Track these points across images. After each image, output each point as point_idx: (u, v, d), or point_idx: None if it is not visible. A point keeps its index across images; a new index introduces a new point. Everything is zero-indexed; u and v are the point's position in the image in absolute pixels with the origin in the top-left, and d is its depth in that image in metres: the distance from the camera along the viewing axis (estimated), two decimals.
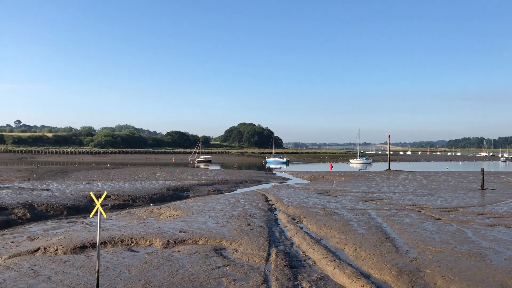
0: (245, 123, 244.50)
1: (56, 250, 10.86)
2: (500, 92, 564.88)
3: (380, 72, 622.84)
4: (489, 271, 8.74)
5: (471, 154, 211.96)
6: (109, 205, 21.02)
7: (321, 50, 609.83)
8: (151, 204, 22.05)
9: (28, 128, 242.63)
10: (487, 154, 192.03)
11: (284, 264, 9.59)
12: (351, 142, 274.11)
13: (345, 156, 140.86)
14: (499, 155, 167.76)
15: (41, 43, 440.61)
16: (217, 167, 75.11)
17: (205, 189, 29.92)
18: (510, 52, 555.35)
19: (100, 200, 6.50)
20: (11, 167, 60.35)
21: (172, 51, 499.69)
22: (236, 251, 10.81)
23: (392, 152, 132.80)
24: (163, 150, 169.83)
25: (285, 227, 14.93)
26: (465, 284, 8.00)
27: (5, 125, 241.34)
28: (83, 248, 11.08)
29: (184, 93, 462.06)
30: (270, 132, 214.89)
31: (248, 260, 9.96)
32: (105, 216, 6.55)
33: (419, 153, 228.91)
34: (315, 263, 10.12)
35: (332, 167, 72.80)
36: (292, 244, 12.16)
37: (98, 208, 6.42)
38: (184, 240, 11.89)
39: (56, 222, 16.31)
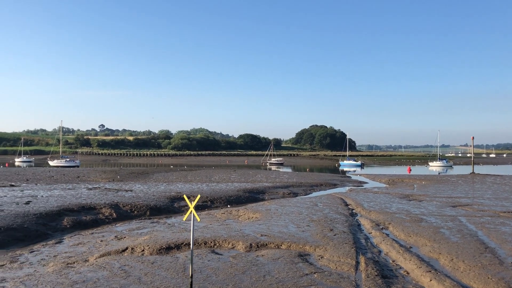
0: (316, 125, 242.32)
1: (143, 250, 11.09)
2: None
3: (458, 70, 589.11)
4: None
5: None
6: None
7: (392, 48, 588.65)
8: (229, 206, 22.22)
9: (110, 132, 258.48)
10: None
11: (376, 273, 9.02)
12: (429, 144, 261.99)
13: (423, 158, 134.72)
14: None
15: (119, 51, 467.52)
16: (289, 170, 74.90)
17: (280, 191, 29.73)
18: None
19: (194, 203, 6.40)
20: (97, 168, 64.23)
21: (241, 56, 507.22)
22: (321, 257, 10.38)
23: (474, 155, 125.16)
24: (235, 152, 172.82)
25: (369, 233, 14.24)
26: None
27: (90, 129, 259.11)
28: (168, 249, 11.23)
29: (255, 96, 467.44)
30: (343, 134, 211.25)
31: (336, 268, 9.50)
32: (198, 219, 6.46)
33: (505, 155, 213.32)
34: (408, 273, 9.43)
35: (410, 170, 69.81)
36: (380, 252, 11.51)
37: (191, 211, 6.33)
38: (266, 244, 11.67)
39: (140, 222, 16.85)
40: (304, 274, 8.82)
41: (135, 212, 19.01)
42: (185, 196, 6.74)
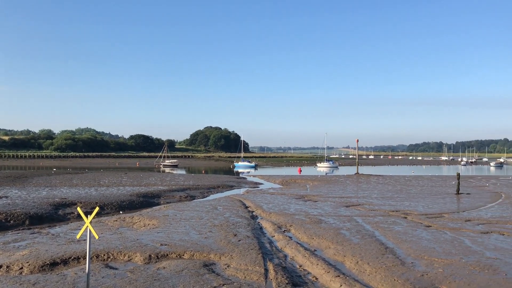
0: (211, 127, 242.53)
1: (22, 268, 9.50)
2: (459, 98, 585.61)
3: (345, 78, 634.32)
4: (510, 286, 8.08)
5: (431, 158, 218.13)
6: (75, 213, 19.46)
7: (283, 54, 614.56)
8: (121, 212, 20.69)
9: None
10: (447, 158, 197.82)
11: (286, 281, 8.63)
12: (315, 146, 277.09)
13: (311, 160, 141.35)
14: (459, 159, 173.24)
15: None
16: (184, 172, 73.43)
17: (177, 195, 28.63)
18: (468, 60, 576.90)
19: (90, 217, 5.32)
20: None
21: (132, 52, 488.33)
22: (228, 266, 9.75)
23: (355, 156, 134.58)
24: (126, 154, 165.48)
25: (272, 236, 13.97)
26: None
27: None
28: (53, 265, 9.76)
29: (147, 95, 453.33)
30: (237, 136, 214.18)
31: (245, 277, 8.93)
32: (97, 237, 5.40)
33: (381, 157, 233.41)
34: (316, 278, 9.20)
35: (301, 171, 72.55)
36: (286, 256, 11.21)
37: (87, 227, 5.25)
38: (167, 254, 10.73)
39: (18, 233, 14.74)
40: (213, 287, 8.10)
41: (12, 221, 16.68)
42: (79, 209, 5.62)
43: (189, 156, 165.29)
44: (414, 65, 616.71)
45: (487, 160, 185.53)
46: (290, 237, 13.74)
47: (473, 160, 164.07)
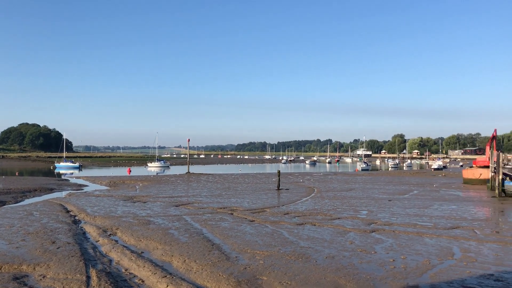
0: (27, 124, 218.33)
1: None
2: (279, 102, 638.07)
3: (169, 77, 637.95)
4: (319, 272, 9.06)
5: (257, 157, 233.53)
6: None
7: (113, 50, 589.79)
8: None
9: None
10: (270, 157, 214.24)
11: (110, 287, 8.20)
12: (147, 145, 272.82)
13: (142, 160, 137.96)
14: (280, 158, 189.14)
15: None
16: None
17: None
18: (284, 70, 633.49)
19: None
20: None
21: None
22: (44, 277, 8.85)
23: (187, 155, 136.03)
24: None
25: (97, 241, 13.16)
26: None
27: None
28: None
29: None
30: (59, 134, 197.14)
31: (64, 287, 8.21)
32: None
33: (212, 156, 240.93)
34: (143, 281, 8.97)
35: (130, 171, 70.30)
36: (111, 261, 10.65)
37: None
38: None
39: None
40: None
41: None
42: None
43: (0, 156, 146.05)
44: (240, 72, 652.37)
45: (303, 158, 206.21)
46: (116, 241, 13.14)
47: (291, 159, 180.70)
